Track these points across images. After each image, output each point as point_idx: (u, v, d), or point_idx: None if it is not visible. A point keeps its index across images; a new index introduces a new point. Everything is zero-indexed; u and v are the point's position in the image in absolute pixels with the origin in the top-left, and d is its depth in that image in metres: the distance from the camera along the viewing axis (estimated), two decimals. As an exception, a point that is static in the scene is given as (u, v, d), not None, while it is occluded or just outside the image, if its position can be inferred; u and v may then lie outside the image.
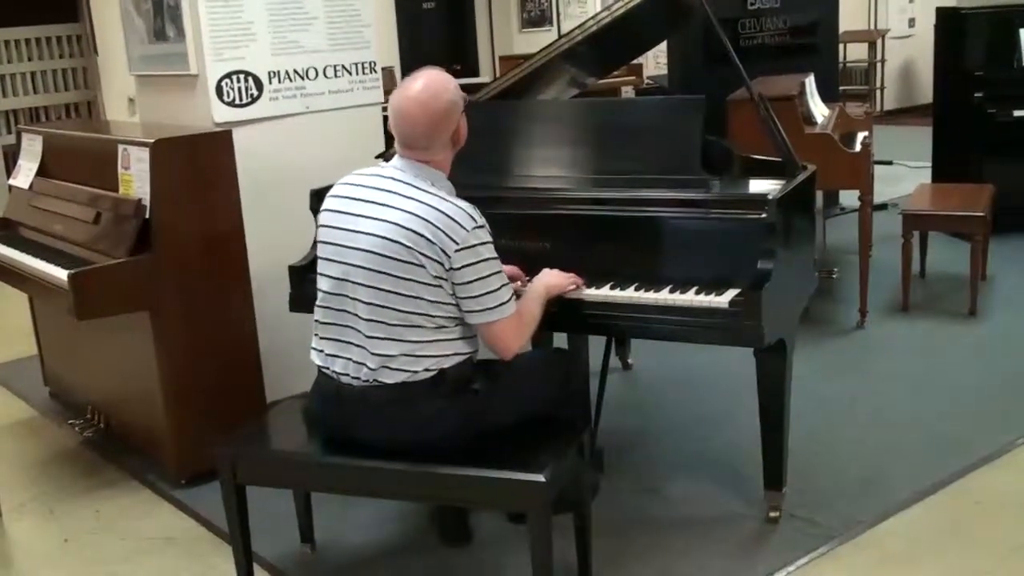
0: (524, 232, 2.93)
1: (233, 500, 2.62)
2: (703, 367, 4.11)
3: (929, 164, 6.66)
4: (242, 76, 3.79)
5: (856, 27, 11.60)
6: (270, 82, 3.86)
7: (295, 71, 3.92)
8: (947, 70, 6.34)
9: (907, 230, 4.80)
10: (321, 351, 2.56)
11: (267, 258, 3.60)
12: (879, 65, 11.97)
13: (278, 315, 3.32)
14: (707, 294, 2.68)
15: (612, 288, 2.78)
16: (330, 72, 4.01)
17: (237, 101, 3.79)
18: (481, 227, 2.41)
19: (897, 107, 12.27)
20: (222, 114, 3.75)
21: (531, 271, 2.85)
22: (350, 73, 4.06)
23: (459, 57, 11.29)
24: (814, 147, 4.43)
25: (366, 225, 2.44)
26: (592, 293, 2.78)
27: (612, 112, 3.11)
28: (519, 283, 2.78)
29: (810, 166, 3.07)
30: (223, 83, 3.75)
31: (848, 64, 11.48)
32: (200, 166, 3.40)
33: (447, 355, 2.45)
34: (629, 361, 4.30)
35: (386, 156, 3.50)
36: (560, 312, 2.76)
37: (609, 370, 3.50)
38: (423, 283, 2.39)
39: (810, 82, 5.26)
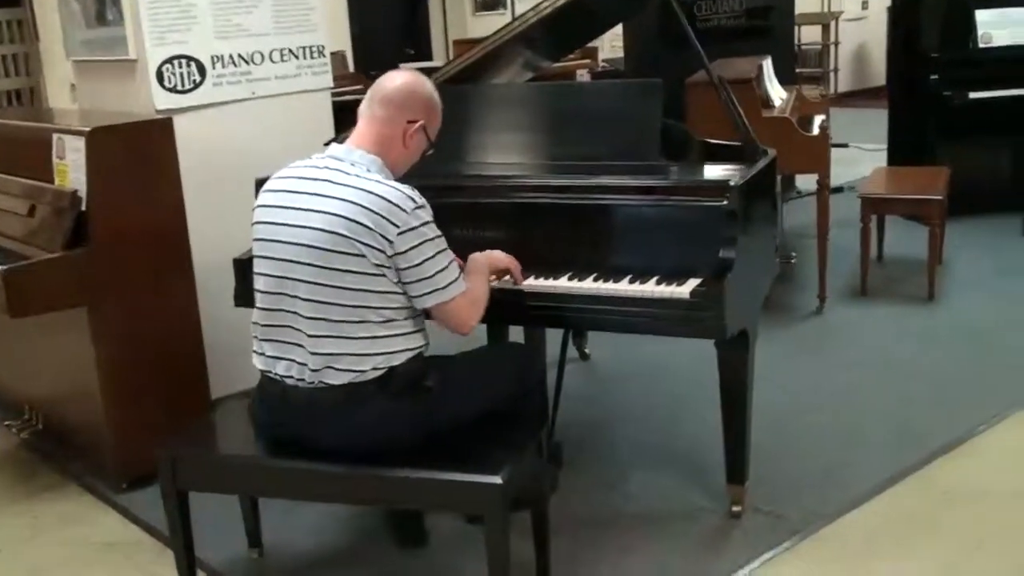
0: (477, 221, 2.83)
1: (175, 506, 2.50)
2: (661, 356, 4.04)
3: (884, 147, 6.64)
4: (184, 61, 3.64)
5: (810, 10, 11.58)
6: (213, 67, 3.71)
7: (240, 55, 3.77)
8: (902, 53, 6.31)
9: (866, 214, 4.76)
10: (262, 354, 2.44)
11: (212, 250, 3.46)
12: (833, 47, 11.97)
13: (223, 309, 3.18)
14: (668, 284, 2.59)
15: (570, 279, 2.69)
16: (276, 56, 3.86)
17: (179, 87, 3.64)
18: (421, 207, 2.31)
19: (851, 89, 12.30)
20: (163, 100, 3.60)
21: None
22: (297, 57, 3.92)
23: (412, 41, 11.14)
24: (772, 131, 4.37)
25: (302, 218, 2.32)
26: (549, 284, 2.68)
27: (568, 96, 3.01)
28: (511, 280, 2.70)
29: (771, 151, 3.00)
30: (164, 68, 3.60)
31: (802, 46, 11.46)
32: (140, 155, 3.25)
33: (396, 351, 2.35)
34: (587, 351, 4.22)
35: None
36: (516, 305, 2.67)
37: (567, 361, 3.42)
38: (367, 274, 2.28)
39: (767, 65, 5.20)
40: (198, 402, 3.43)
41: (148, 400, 3.31)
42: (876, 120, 8.14)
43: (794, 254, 5.24)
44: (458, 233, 2.78)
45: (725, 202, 2.58)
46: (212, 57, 3.70)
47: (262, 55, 3.82)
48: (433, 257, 2.32)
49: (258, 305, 2.44)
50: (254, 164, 3.29)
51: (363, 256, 2.27)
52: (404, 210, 2.28)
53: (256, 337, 2.46)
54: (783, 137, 4.35)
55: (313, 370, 2.33)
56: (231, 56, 3.75)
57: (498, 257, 2.63)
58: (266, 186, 2.48)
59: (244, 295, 2.88)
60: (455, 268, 2.38)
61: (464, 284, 2.40)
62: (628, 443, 3.43)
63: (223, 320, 3.42)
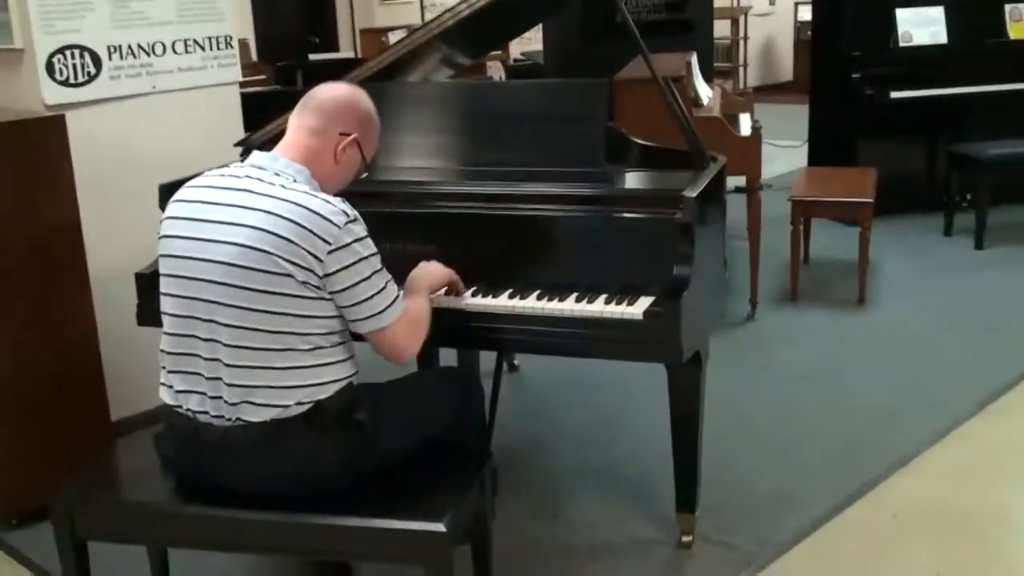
0: (407, 234, 2.59)
1: (71, 559, 2.20)
2: (595, 365, 3.83)
3: (799, 143, 6.59)
4: (77, 51, 3.31)
5: (720, 4, 11.56)
6: (110, 58, 3.39)
7: (139, 46, 3.46)
8: (824, 50, 6.25)
9: (796, 217, 4.65)
10: (171, 387, 2.16)
11: (111, 259, 3.17)
12: (742, 42, 11.99)
13: (125, 325, 2.88)
14: (618, 303, 2.39)
15: (511, 297, 2.47)
16: (180, 47, 3.56)
17: (71, 80, 3.31)
18: (354, 221, 2.07)
19: (760, 84, 12.34)
20: (54, 95, 3.27)
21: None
22: (203, 48, 3.61)
23: (317, 30, 10.78)
24: (704, 131, 4.18)
25: (218, 232, 2.06)
26: (487, 303, 2.46)
27: (505, 96, 2.78)
28: (451, 293, 2.48)
29: (720, 157, 2.83)
30: (54, 59, 3.26)
31: (714, 41, 11.44)
32: (27, 156, 2.93)
33: (323, 383, 2.10)
34: (515, 362, 4.01)
35: (247, 144, 3.11)
36: (452, 326, 2.44)
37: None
38: (291, 295, 2.03)
39: (694, 61, 5.06)
40: (98, 426, 3.14)
41: (40, 425, 3.00)
42: (787, 116, 8.12)
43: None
44: (386, 247, 2.55)
45: (679, 214, 2.39)
46: (109, 47, 3.38)
47: (164, 46, 3.51)
48: (369, 278, 2.09)
49: (166, 330, 2.17)
50: (157, 164, 3.03)
51: (289, 276, 2.02)
52: (335, 225, 2.04)
53: (164, 368, 2.19)
54: (716, 138, 4.19)
55: (230, 404, 2.07)
56: (130, 46, 3.43)
57: (438, 274, 2.41)
58: (176, 196, 2.20)
59: (148, 314, 2.59)
60: (393, 289, 2.15)
61: (402, 306, 2.16)
62: (567, 465, 3.23)
63: (124, 336, 3.11)
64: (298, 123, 2.20)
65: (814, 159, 6.24)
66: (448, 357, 3.15)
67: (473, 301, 2.47)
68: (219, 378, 2.08)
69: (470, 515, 2.24)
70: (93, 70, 3.35)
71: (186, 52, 3.57)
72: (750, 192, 4.42)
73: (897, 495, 3.00)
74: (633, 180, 2.77)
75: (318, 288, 2.05)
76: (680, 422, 2.64)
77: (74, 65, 3.30)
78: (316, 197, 2.07)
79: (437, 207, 2.62)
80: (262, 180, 2.11)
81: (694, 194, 2.40)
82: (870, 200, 4.55)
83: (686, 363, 2.47)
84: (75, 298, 3.07)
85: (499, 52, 10.09)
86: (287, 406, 2.07)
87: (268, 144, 2.75)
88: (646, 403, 2.67)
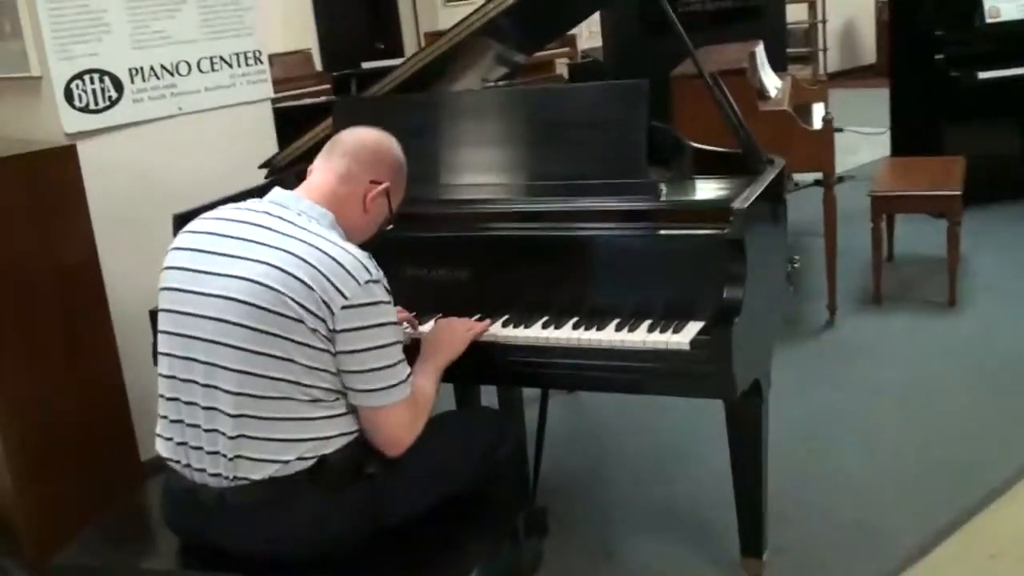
0: (431, 258, 2.37)
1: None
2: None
3: (883, 130, 6.19)
4: (96, 76, 3.16)
5: (795, -13, 11.12)
6: (132, 81, 3.24)
7: (162, 66, 3.30)
8: (904, 30, 5.85)
9: (877, 213, 4.31)
10: (169, 439, 1.97)
11: (134, 293, 2.99)
12: (820, 26, 11.50)
13: (148, 359, 2.71)
14: (662, 331, 2.13)
15: (545, 327, 2.22)
16: (206, 65, 3.39)
17: (92, 106, 3.16)
18: (376, 282, 1.86)
19: (840, 69, 11.84)
20: (74, 123, 3.12)
21: (437, 306, 2.31)
22: (230, 65, 3.44)
23: (382, 35, 10.64)
24: (771, 126, 3.93)
25: (225, 266, 1.86)
26: (518, 334, 2.22)
27: (535, 104, 2.53)
28: (408, 331, 2.24)
29: (778, 160, 2.54)
30: (73, 85, 3.12)
31: (788, 26, 11.00)
32: (39, 188, 2.79)
33: (327, 437, 1.88)
34: (573, 382, 3.76)
35: (272, 165, 2.93)
36: (477, 360, 2.21)
37: (549, 396, 2.96)
38: (298, 343, 1.82)
39: (760, 51, 4.74)
40: (128, 469, 2.98)
41: (67, 474, 2.86)
42: (870, 101, 7.69)
43: (797, 257, 4.75)
44: (409, 273, 2.35)
45: (728, 229, 2.12)
46: (130, 70, 3.23)
47: (189, 65, 3.35)
48: (380, 348, 1.86)
49: (163, 373, 1.98)
50: (184, 190, 2.85)
51: (300, 321, 1.81)
52: (356, 280, 1.83)
53: (161, 416, 2.00)
54: (783, 133, 3.91)
55: (228, 459, 1.87)
56: (152, 68, 3.27)
57: (458, 342, 2.18)
58: (187, 227, 2.01)
59: (160, 355, 2.41)
60: (403, 368, 1.92)
61: (409, 389, 1.93)
62: (626, 498, 2.97)
63: (149, 372, 2.94)
64: (326, 166, 2.01)
65: (897, 148, 5.85)
66: (489, 394, 2.91)
67: (502, 332, 2.23)
68: (217, 429, 1.88)
69: (502, 568, 2.00)
70: (114, 94, 3.20)
71: (212, 70, 3.41)
72: (825, 189, 4.09)
73: (996, 530, 2.67)
74: (680, 190, 2.50)
75: (327, 340, 1.84)
76: (741, 458, 2.37)
77: (94, 90, 3.16)
78: (339, 246, 1.87)
79: (460, 228, 2.39)
80: (283, 219, 1.91)
81: (744, 206, 2.13)
82: (958, 192, 4.18)
83: (745, 393, 2.20)
84: (97, 337, 2.94)
85: (567, 49, 9.81)
86: (287, 461, 1.86)
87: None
88: (718, 427, 2.39)
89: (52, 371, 2.82)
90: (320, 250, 1.83)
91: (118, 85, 3.21)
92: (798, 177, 6.10)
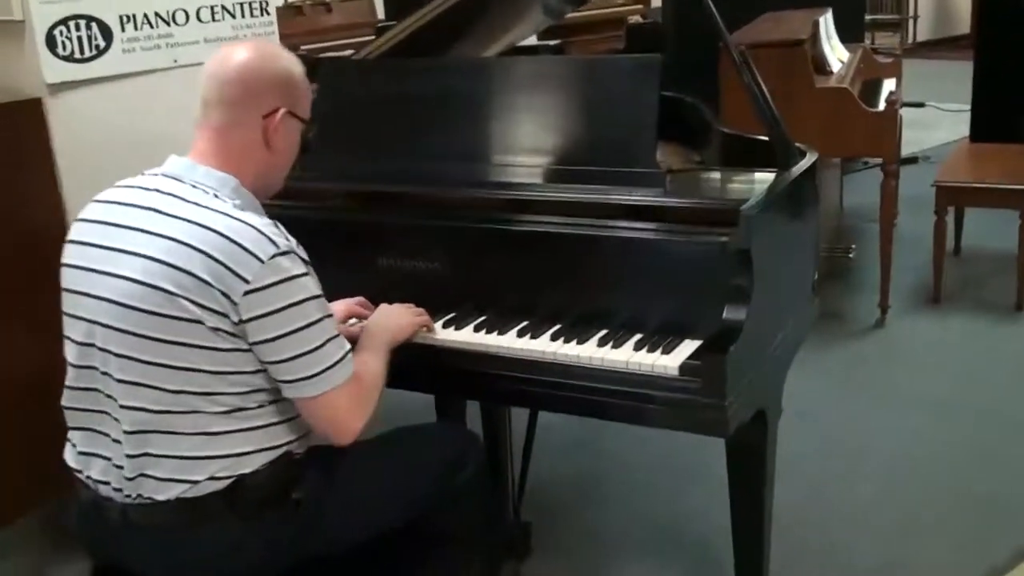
0: (389, 249, 2.11)
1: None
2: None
3: (967, 107, 5.71)
4: (83, 22, 2.92)
5: (886, -53, 10.53)
6: (123, 29, 2.99)
7: (157, 14, 3.04)
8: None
9: (941, 205, 3.92)
10: (74, 447, 1.75)
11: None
12: (912, -10, 10.88)
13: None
14: (651, 350, 1.84)
15: (521, 335, 1.94)
16: (206, 14, 3.13)
17: (77, 55, 2.92)
18: (285, 254, 1.59)
19: (931, 38, 11.20)
20: (56, 72, 2.88)
21: (416, 298, 2.04)
22: (233, 15, 3.18)
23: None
24: (827, 104, 3.59)
25: (113, 262, 1.63)
26: (481, 341, 1.94)
27: (532, 77, 2.21)
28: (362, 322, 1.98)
29: (810, 152, 2.21)
30: (56, 31, 2.87)
31: (873, -9, 10.42)
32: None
33: (245, 453, 1.64)
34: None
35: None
36: (438, 370, 1.95)
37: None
38: (199, 346, 1.58)
39: (826, 20, 4.34)
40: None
41: (24, 435, 2.66)
42: (960, 74, 7.13)
43: (854, 246, 4.40)
44: (383, 262, 2.09)
45: (733, 238, 1.81)
46: (121, 17, 2.97)
47: (187, 13, 3.09)
48: (299, 331, 1.60)
49: (67, 382, 1.76)
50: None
51: (197, 322, 1.57)
52: (258, 258, 1.57)
53: (68, 424, 1.78)
54: (840, 113, 3.56)
55: (128, 478, 1.64)
56: (146, 15, 3.02)
57: (403, 323, 1.91)
58: (81, 213, 1.78)
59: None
60: (336, 347, 1.65)
61: (349, 369, 1.67)
62: (619, 518, 2.69)
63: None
64: (204, 124, 1.72)
65: (977, 130, 5.38)
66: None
67: (471, 338, 1.96)
68: (120, 442, 1.66)
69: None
70: (103, 43, 2.96)
71: (213, 20, 3.15)
72: (885, 177, 3.72)
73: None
74: (692, 184, 2.19)
75: (234, 337, 1.59)
76: (739, 500, 2.07)
77: (79, 37, 2.91)
78: (236, 220, 1.60)
79: (433, 215, 2.12)
80: (174, 195, 1.65)
81: (753, 211, 1.81)
82: (1032, 187, 3.78)
83: (745, 426, 1.90)
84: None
85: (640, 6, 9.33)
86: (196, 481, 1.63)
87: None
88: (715, 444, 2.10)
89: (11, 340, 2.62)
90: (214, 231, 1.57)
91: (107, 33, 2.96)
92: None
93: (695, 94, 2.53)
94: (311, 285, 1.62)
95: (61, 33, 2.88)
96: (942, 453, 2.91)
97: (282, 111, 1.71)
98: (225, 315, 1.57)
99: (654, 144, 2.07)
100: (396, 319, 1.90)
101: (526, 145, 2.15)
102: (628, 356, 1.84)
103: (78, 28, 2.91)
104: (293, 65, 1.76)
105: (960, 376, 3.38)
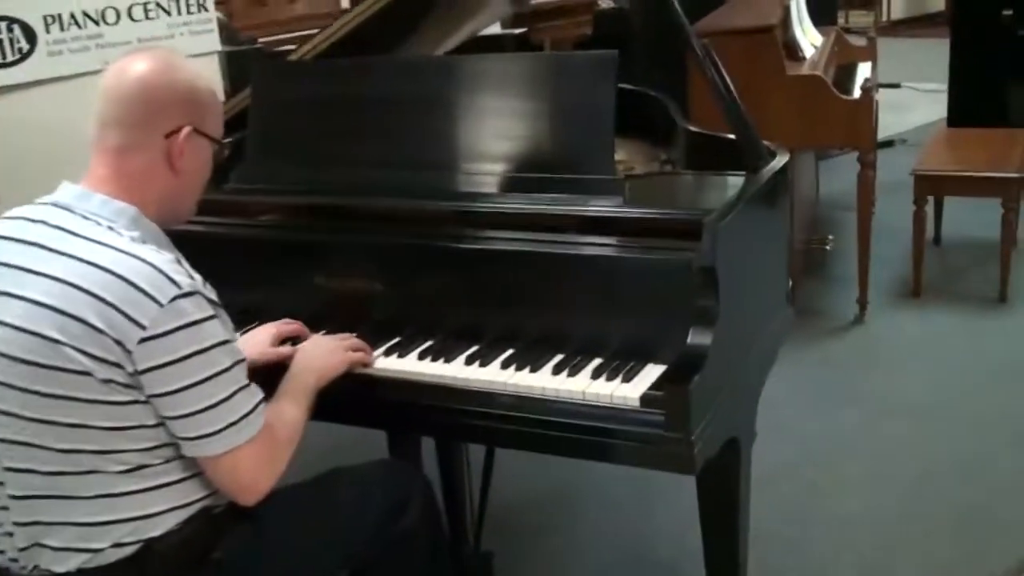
0: (342, 265, 1.93)
1: None
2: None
3: (944, 87, 5.56)
4: (3, 24, 2.75)
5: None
6: (47, 31, 2.83)
7: (85, 14, 2.89)
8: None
9: (920, 195, 3.77)
10: None
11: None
12: (885, -32, 10.75)
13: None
14: (610, 377, 1.68)
15: (469, 363, 1.78)
16: (138, 12, 2.97)
17: (-1, 59, 2.75)
18: (188, 295, 1.41)
19: (906, 16, 11.07)
20: (-24, 78, 2.72)
21: (357, 323, 1.87)
22: (168, 13, 3.02)
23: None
24: (799, 93, 3.44)
25: None
26: (426, 371, 1.77)
27: (477, 78, 2.03)
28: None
29: (781, 152, 2.05)
30: (-25, 34, 2.71)
31: (850, -32, 10.28)
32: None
33: (154, 514, 1.47)
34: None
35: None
36: (371, 404, 1.79)
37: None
38: (91, 401, 1.40)
39: (798, 2, 4.17)
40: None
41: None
42: (935, 54, 7.00)
43: (831, 237, 4.25)
44: (291, 283, 1.92)
45: (696, 253, 1.65)
46: (45, 17, 2.82)
47: (117, 12, 2.93)
48: (205, 381, 1.43)
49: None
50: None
51: (86, 374, 1.39)
52: (156, 300, 1.39)
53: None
54: (814, 101, 3.41)
55: (21, 548, 1.47)
56: (73, 15, 2.86)
57: (332, 363, 1.73)
58: None
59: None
60: (245, 399, 1.48)
61: (259, 423, 1.50)
62: (585, 539, 2.54)
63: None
64: (99, 148, 1.54)
65: (954, 113, 5.24)
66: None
67: (413, 367, 1.79)
68: (8, 509, 1.48)
69: None
70: (26, 46, 2.79)
71: (147, 18, 2.98)
72: (861, 167, 3.57)
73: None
74: (655, 191, 2.03)
75: (130, 388, 1.41)
76: (712, 528, 1.92)
77: (0, 40, 2.74)
78: (135, 257, 1.42)
79: (372, 232, 1.95)
80: (62, 228, 1.47)
81: (716, 223, 1.65)
82: (1016, 175, 3.63)
83: (715, 456, 1.74)
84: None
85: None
86: (99, 550, 1.46)
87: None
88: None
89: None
90: (105, 269, 1.40)
91: (30, 35, 2.80)
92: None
93: (663, 88, 2.38)
94: (218, 330, 1.44)
95: (-20, 36, 2.70)
96: (926, 462, 2.77)
97: (186, 129, 1.53)
98: (118, 365, 1.39)
99: (611, 148, 1.90)
100: (324, 357, 1.73)
101: (472, 151, 1.97)
102: (585, 386, 1.67)
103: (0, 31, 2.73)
104: (198, 78, 1.58)
105: (943, 377, 3.24)
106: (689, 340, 1.63)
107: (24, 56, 2.77)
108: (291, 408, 1.61)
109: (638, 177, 2.08)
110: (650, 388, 1.63)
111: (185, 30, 3.03)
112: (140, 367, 1.39)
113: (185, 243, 1.64)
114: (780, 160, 2.01)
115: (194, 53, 3.06)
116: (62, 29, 2.83)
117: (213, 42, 3.11)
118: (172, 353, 1.39)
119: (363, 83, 2.09)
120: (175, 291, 1.40)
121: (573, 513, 2.65)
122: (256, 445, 1.48)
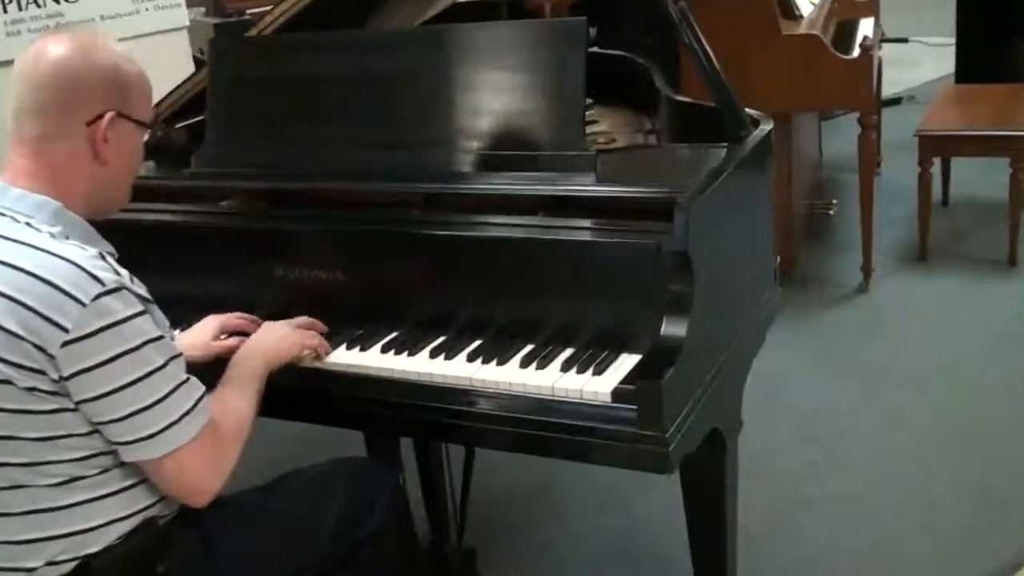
0: (301, 253, 1.83)
1: None
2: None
3: (953, 41, 5.39)
4: (-42, 4, 2.63)
5: None
6: (5, 10, 2.71)
7: (44, -9, 2.75)
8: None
9: (925, 156, 3.63)
10: None
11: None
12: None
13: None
14: (581, 370, 1.57)
15: (434, 355, 1.67)
16: (101, -11, 2.84)
17: (-46, 41, 2.64)
18: (113, 292, 1.31)
19: (915, -33, 10.79)
20: (-69, 61, 2.61)
21: (319, 315, 1.76)
22: (132, -12, 2.88)
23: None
24: (795, 53, 3.29)
25: None
26: (387, 365, 1.67)
27: (441, 50, 1.91)
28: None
29: (764, 121, 1.93)
30: (-72, 16, 2.60)
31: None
32: None
33: (91, 528, 1.38)
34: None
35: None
36: (329, 400, 1.69)
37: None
38: (14, 411, 1.32)
39: (795, -42, 4.01)
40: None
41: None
42: (944, 4, 6.83)
43: (834, 201, 4.12)
44: (251, 271, 1.82)
45: (665, 240, 1.53)
46: (2, -4, 2.69)
47: (79, -11, 2.80)
48: (138, 381, 1.33)
49: None
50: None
51: (7, 382, 1.30)
52: (78, 299, 1.29)
53: None
54: (810, 62, 3.27)
55: (-51, 571, 1.39)
56: (31, -7, 2.73)
57: (283, 346, 1.64)
58: None
59: None
60: (184, 395, 1.38)
61: (202, 420, 1.40)
62: (572, 531, 2.45)
63: None
64: (17, 139, 1.43)
65: (962, 68, 5.07)
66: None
67: (374, 361, 1.69)
68: (-68, 529, 1.39)
69: None
70: (-18, 27, 2.67)
71: (110, -5, 2.85)
72: (862, 129, 3.43)
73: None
74: (631, 166, 1.91)
75: (57, 396, 1.32)
76: (697, 523, 1.82)
77: (-45, 22, 2.63)
78: (53, 255, 1.32)
79: (328, 218, 1.84)
80: (-20, 228, 1.37)
81: (689, 203, 1.53)
82: (1022, 133, 3.49)
83: (698, 449, 1.63)
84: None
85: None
86: (31, 569, 1.37)
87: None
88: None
89: None
90: (22, 270, 1.30)
91: (-14, 15, 2.67)
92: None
93: (655, 56, 2.26)
94: (148, 326, 1.34)
95: (-67, 18, 2.59)
96: (931, 435, 2.66)
97: (109, 115, 1.42)
98: (41, 372, 1.29)
99: (581, 122, 1.79)
100: (271, 341, 1.63)
101: (434, 129, 1.85)
102: (554, 379, 1.57)
103: (-48, 12, 2.61)
104: (121, 60, 1.46)
105: (951, 347, 3.11)
106: (663, 330, 1.52)
107: (-20, 38, 2.67)
108: (236, 398, 1.51)
109: (614, 151, 1.96)
110: (623, 381, 1.53)
111: (151, 5, 2.91)
112: (65, 372, 1.29)
113: (130, 233, 1.55)
114: (763, 129, 1.89)
115: (160, 29, 2.95)
116: (20, 8, 2.71)
117: (180, 17, 2.98)
118: (99, 354, 1.30)
119: (319, 59, 1.97)
120: (98, 288, 1.30)
121: (558, 505, 2.55)
122: (200, 443, 1.39)
